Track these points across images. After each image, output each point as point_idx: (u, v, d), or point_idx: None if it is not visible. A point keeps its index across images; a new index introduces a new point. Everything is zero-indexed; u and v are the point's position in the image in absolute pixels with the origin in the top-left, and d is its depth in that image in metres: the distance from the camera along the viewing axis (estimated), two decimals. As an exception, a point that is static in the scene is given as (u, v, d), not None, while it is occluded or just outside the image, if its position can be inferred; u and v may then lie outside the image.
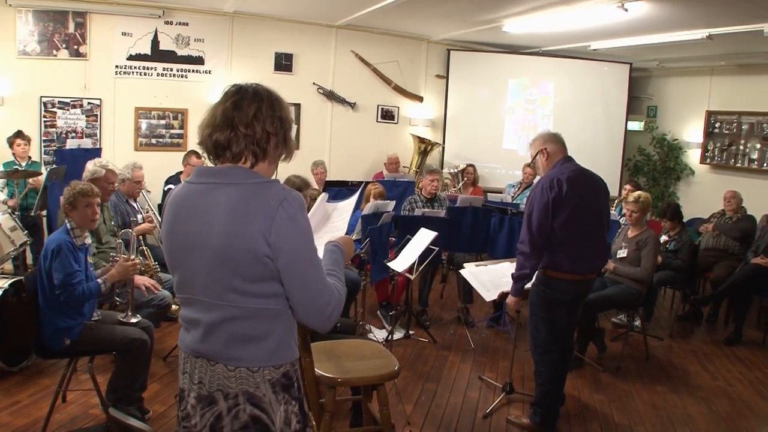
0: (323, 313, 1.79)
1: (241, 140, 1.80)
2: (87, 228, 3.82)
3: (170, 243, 1.88)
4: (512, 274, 3.95)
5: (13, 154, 6.46)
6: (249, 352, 1.81)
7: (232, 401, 1.81)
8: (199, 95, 8.16)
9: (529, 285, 4.01)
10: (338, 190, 7.07)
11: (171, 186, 6.65)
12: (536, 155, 3.99)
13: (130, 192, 5.50)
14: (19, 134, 6.48)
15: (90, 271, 3.75)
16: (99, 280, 3.65)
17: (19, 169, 6.27)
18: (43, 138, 7.35)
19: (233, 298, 1.78)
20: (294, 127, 1.91)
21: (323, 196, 2.68)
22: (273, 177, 1.91)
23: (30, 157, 6.63)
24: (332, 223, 2.58)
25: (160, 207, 6.61)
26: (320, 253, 2.16)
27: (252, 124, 1.80)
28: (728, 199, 7.01)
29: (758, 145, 8.57)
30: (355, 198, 2.67)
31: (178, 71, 8.04)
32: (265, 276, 1.76)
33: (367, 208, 5.85)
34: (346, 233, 2.50)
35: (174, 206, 1.88)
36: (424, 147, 9.21)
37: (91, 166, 4.94)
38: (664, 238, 6.36)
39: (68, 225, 3.66)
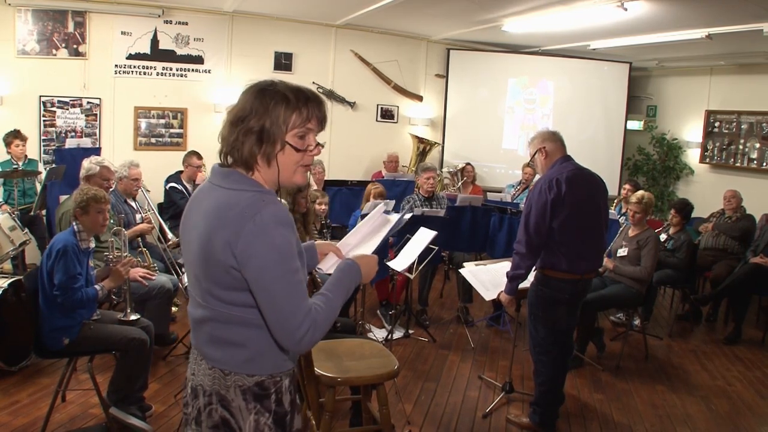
0: (292, 337, 1.69)
1: (224, 149, 1.80)
2: (96, 232, 3.85)
3: (181, 236, 1.93)
4: (507, 273, 3.95)
5: (9, 153, 6.44)
6: (224, 355, 1.78)
7: (207, 399, 1.81)
8: (198, 94, 8.18)
9: (524, 284, 4.02)
10: (338, 189, 7.08)
11: (173, 184, 6.63)
12: (535, 154, 3.98)
13: (128, 190, 5.48)
14: (17, 135, 6.43)
15: (91, 274, 3.76)
16: (97, 287, 3.68)
17: (18, 168, 6.27)
18: (42, 137, 7.35)
19: (210, 300, 1.76)
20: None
21: (382, 206, 2.51)
22: (293, 178, 1.82)
23: (26, 156, 6.61)
24: (374, 238, 2.38)
25: (161, 206, 6.62)
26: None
27: (226, 137, 1.77)
28: (728, 199, 7.01)
29: (757, 145, 8.57)
30: (399, 216, 2.55)
31: (177, 70, 8.04)
32: (236, 286, 1.71)
33: (367, 208, 5.85)
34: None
35: (189, 201, 1.90)
36: (423, 147, 9.22)
37: (86, 163, 4.94)
38: (663, 236, 6.36)
39: (75, 228, 3.67)
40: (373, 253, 2.18)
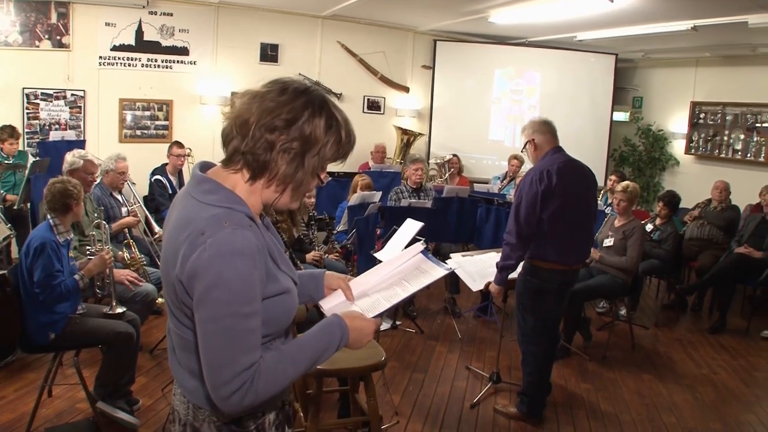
0: (217, 392, 1.40)
1: (236, 140, 1.48)
2: (76, 221, 3.81)
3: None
4: (497, 264, 3.96)
5: (1, 149, 6.36)
6: (192, 387, 1.56)
7: (182, 428, 1.62)
8: (184, 86, 8.12)
9: (512, 275, 4.03)
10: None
11: (158, 177, 6.61)
12: (526, 144, 3.99)
13: (114, 184, 5.42)
14: (12, 133, 6.32)
15: (72, 264, 3.72)
16: (76, 276, 3.63)
17: (6, 162, 6.19)
18: (26, 130, 7.25)
19: (175, 322, 1.55)
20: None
21: (420, 245, 2.05)
22: (290, 204, 1.58)
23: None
24: (396, 288, 1.90)
25: (146, 199, 6.58)
26: (363, 306, 1.82)
27: (250, 126, 1.45)
28: (720, 190, 7.03)
29: (742, 136, 8.64)
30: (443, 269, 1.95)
31: (162, 62, 7.97)
32: (190, 314, 1.47)
33: (354, 199, 5.85)
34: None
35: (170, 208, 1.64)
36: (407, 138, 9.20)
37: (69, 157, 4.89)
38: (649, 227, 6.41)
39: (51, 221, 3.62)
40: (380, 314, 1.79)
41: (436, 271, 1.94)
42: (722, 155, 8.93)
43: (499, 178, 8.44)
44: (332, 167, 1.79)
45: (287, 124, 1.45)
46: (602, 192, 7.78)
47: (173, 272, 1.44)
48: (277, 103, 1.46)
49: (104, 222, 4.21)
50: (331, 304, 1.85)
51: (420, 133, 9.39)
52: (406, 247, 4.59)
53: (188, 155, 6.88)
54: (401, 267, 1.96)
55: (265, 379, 1.43)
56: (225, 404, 1.41)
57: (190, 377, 1.56)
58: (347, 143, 1.58)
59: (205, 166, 1.58)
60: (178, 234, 1.45)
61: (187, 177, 6.95)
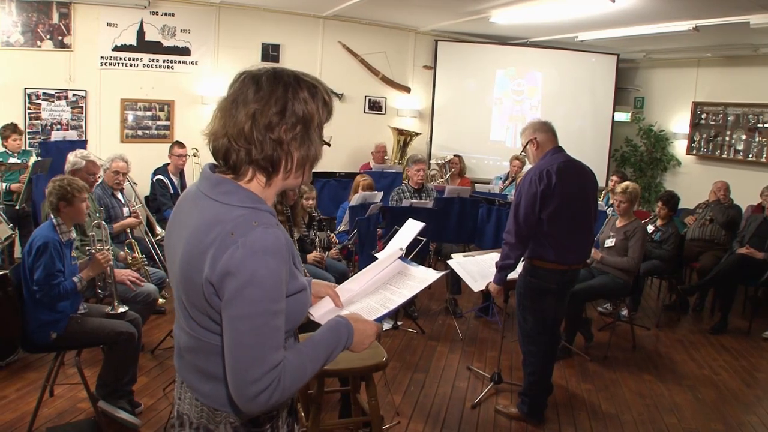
0: (245, 391, 1.39)
1: (241, 152, 1.48)
2: (79, 222, 3.80)
3: (165, 247, 1.69)
4: (496, 263, 3.96)
5: (5, 146, 6.37)
6: (209, 390, 1.55)
7: None
8: (185, 86, 8.13)
9: (513, 275, 4.03)
10: (326, 181, 7.06)
11: (159, 177, 6.61)
12: (526, 145, 3.99)
13: (108, 183, 5.41)
14: (14, 129, 6.36)
15: (73, 264, 3.72)
16: (75, 278, 3.61)
17: (12, 160, 6.21)
18: (27, 130, 7.26)
19: (193, 326, 1.54)
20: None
21: (398, 251, 2.09)
22: (297, 179, 1.57)
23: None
24: (383, 291, 1.95)
25: (148, 199, 6.59)
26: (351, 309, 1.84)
27: (250, 134, 1.46)
28: (723, 190, 7.04)
29: (744, 136, 8.63)
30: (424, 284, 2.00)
31: (164, 62, 7.98)
32: (215, 317, 1.47)
33: (355, 200, 5.85)
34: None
35: (175, 207, 1.65)
36: (404, 138, 9.20)
37: (72, 157, 4.90)
38: (650, 228, 6.40)
39: (54, 221, 3.62)
40: (377, 318, 1.82)
41: (428, 275, 1.97)
42: (724, 156, 8.92)
43: (501, 178, 8.43)
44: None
45: (281, 114, 1.47)
46: (603, 192, 7.78)
47: (199, 275, 1.43)
48: (260, 102, 1.46)
49: (104, 222, 4.20)
50: (321, 311, 1.85)
51: (417, 133, 9.38)
52: (408, 247, 4.60)
53: (194, 155, 6.87)
54: (381, 273, 1.99)
55: (290, 377, 1.44)
56: (251, 403, 1.41)
57: (206, 380, 1.56)
58: (330, 99, 1.58)
59: (215, 168, 1.58)
60: (202, 236, 1.44)
61: (188, 177, 6.96)
